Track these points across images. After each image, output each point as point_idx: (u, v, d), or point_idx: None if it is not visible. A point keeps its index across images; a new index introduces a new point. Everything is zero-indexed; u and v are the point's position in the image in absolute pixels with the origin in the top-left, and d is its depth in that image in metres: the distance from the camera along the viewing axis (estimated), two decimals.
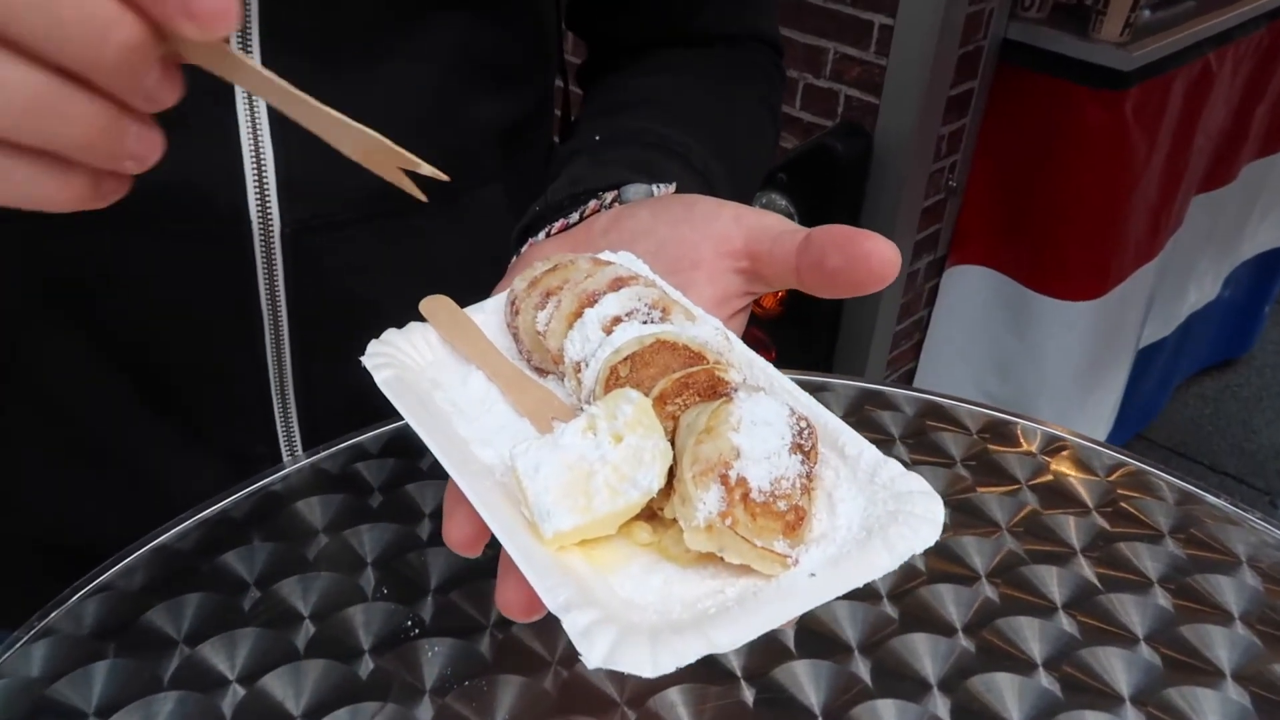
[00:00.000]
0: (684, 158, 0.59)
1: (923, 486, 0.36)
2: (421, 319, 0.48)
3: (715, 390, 0.39)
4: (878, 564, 0.33)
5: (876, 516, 0.35)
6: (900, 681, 0.56)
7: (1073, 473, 0.70)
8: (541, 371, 0.46)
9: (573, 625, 0.32)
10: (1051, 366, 2.15)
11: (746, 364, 0.43)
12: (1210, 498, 0.68)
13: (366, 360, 0.44)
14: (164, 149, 0.34)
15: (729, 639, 0.32)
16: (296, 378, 0.68)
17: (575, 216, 0.53)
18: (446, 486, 0.39)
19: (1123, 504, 0.67)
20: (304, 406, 0.69)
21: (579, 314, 0.44)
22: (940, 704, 0.54)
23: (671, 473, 0.37)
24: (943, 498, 0.36)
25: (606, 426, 0.37)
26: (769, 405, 0.37)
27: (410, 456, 0.69)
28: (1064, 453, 0.72)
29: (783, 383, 0.42)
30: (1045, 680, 0.55)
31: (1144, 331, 2.47)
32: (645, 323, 0.43)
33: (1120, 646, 0.57)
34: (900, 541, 0.34)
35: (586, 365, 0.42)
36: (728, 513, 0.34)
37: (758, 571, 0.35)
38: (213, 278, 0.62)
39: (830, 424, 0.39)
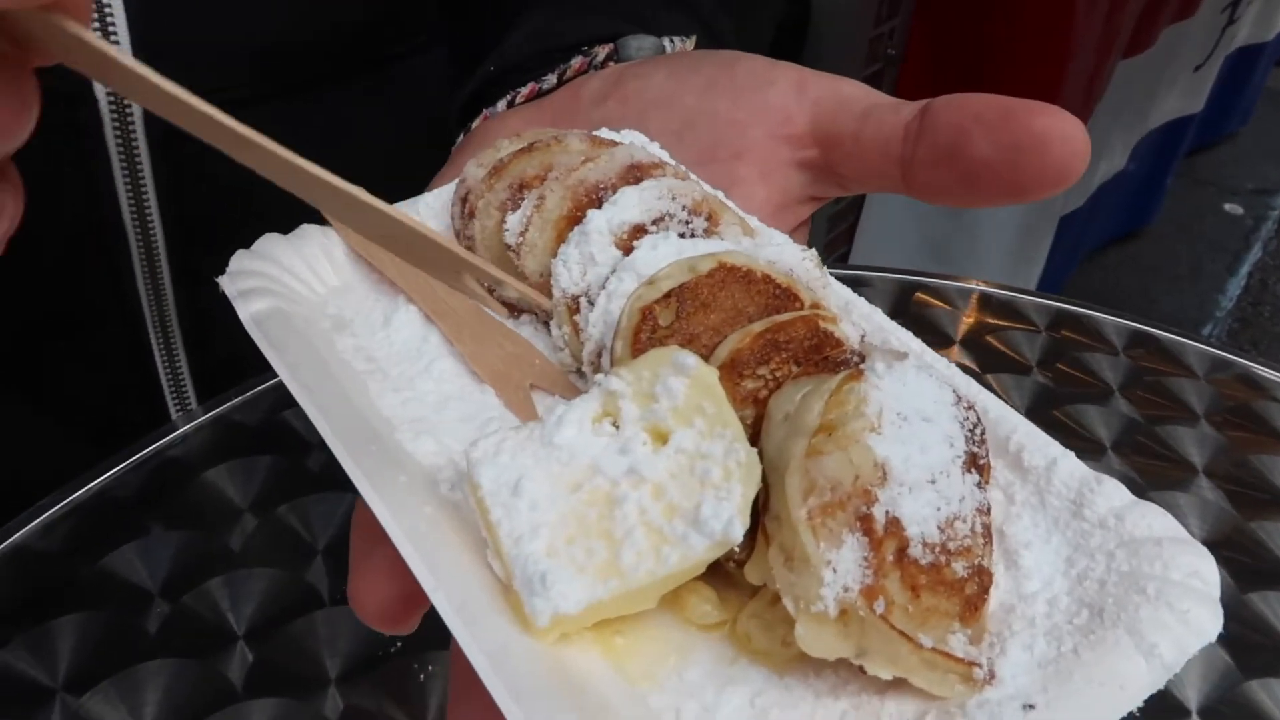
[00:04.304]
0: (691, 6, 0.43)
1: (1174, 529, 0.22)
2: (322, 222, 0.31)
3: (823, 354, 0.25)
4: (1131, 681, 0.20)
5: (1098, 580, 0.22)
6: None
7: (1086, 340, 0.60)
8: (512, 309, 0.31)
9: None
10: (984, 244, 2.09)
11: (844, 307, 0.28)
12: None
13: (227, 282, 0.28)
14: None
15: None
16: (181, 310, 0.50)
17: (552, 79, 0.37)
18: (355, 509, 0.24)
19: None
20: (195, 349, 0.51)
21: (576, 219, 0.29)
22: None
23: (757, 503, 0.22)
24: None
25: (638, 414, 0.22)
26: (923, 384, 0.23)
27: None
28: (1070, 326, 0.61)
29: (903, 337, 0.27)
30: None
31: (1065, 201, 2.43)
32: (684, 236, 0.28)
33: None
34: (1161, 636, 0.20)
35: (592, 302, 0.27)
36: (876, 588, 0.20)
37: (918, 689, 0.20)
38: (51, 183, 0.42)
39: (993, 411, 0.25)
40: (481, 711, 0.20)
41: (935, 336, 0.60)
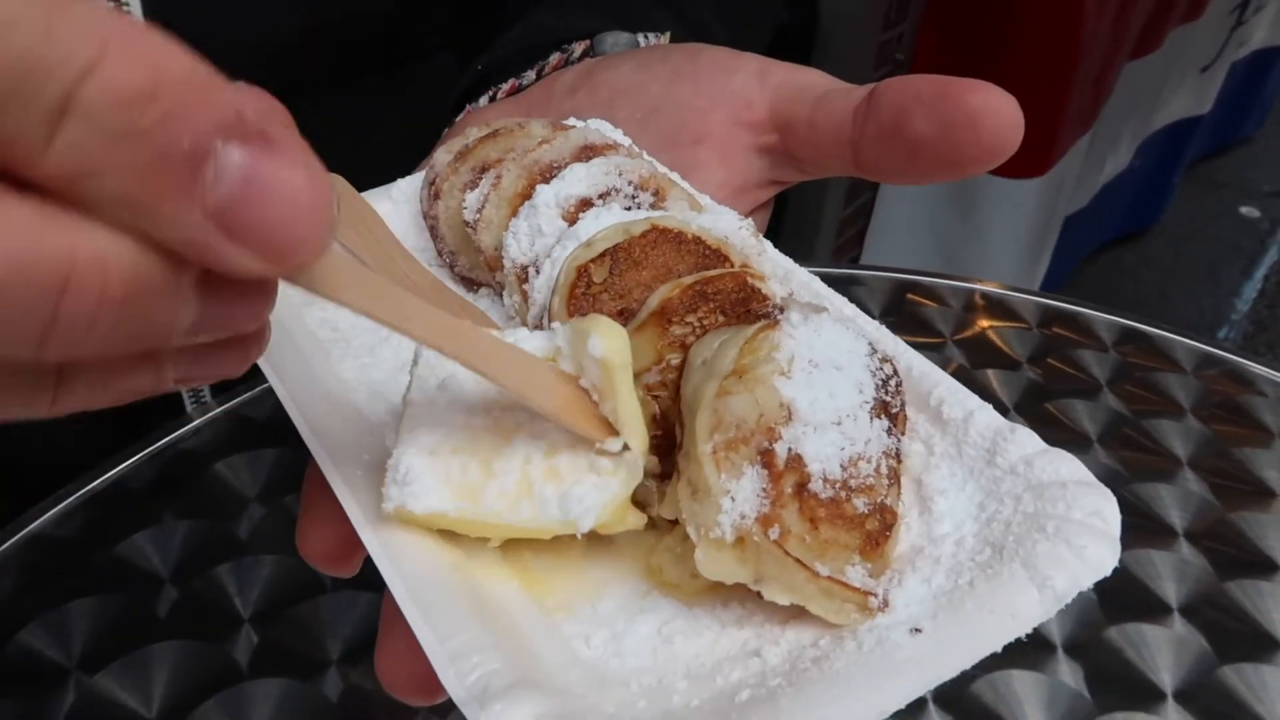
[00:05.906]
0: (676, 5, 0.45)
1: (1079, 473, 0.23)
2: None
3: (748, 308, 0.26)
4: (1023, 610, 0.20)
5: (1004, 521, 0.22)
6: None
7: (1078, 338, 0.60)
8: (470, 283, 0.32)
9: None
10: (995, 247, 2.08)
11: (783, 276, 0.29)
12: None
13: None
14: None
15: None
16: None
17: (531, 75, 0.39)
18: (308, 465, 0.26)
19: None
20: None
21: (528, 195, 0.30)
22: None
23: (670, 440, 0.23)
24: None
25: (570, 366, 0.23)
26: (838, 335, 0.24)
27: None
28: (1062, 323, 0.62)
29: (838, 303, 0.29)
30: None
31: (1070, 201, 2.42)
32: (629, 209, 0.30)
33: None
34: (1056, 569, 0.21)
35: (538, 271, 0.28)
36: (772, 516, 0.21)
37: (819, 618, 0.21)
38: None
39: (916, 368, 0.26)
40: (401, 640, 0.21)
41: (928, 333, 0.61)
